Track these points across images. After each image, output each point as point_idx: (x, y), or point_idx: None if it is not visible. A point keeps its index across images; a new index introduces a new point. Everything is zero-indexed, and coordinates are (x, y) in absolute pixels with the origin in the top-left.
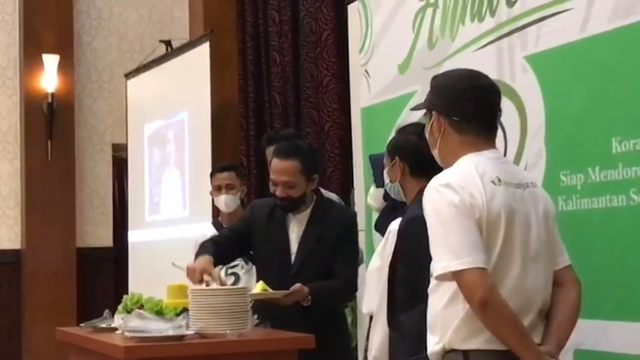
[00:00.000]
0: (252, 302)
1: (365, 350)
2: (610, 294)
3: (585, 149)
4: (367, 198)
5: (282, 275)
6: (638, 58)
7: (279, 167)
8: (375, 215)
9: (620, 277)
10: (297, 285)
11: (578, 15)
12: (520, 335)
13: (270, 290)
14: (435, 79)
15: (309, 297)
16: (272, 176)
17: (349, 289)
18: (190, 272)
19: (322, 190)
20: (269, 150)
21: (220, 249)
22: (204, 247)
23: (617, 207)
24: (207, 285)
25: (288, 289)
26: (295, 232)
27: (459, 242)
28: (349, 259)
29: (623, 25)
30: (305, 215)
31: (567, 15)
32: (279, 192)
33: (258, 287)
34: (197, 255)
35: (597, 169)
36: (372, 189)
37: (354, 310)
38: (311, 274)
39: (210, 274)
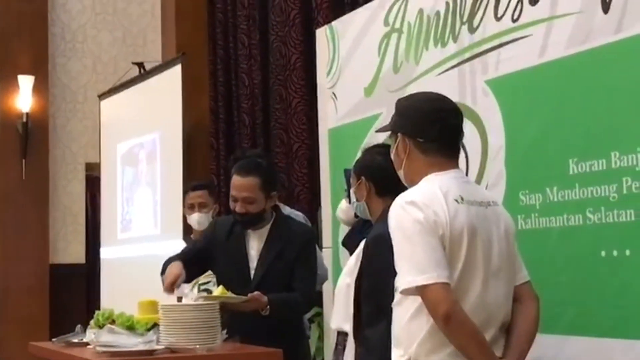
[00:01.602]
0: (223, 317)
1: None
2: (568, 309)
3: (544, 170)
4: (336, 213)
5: (242, 289)
6: (594, 83)
7: (239, 184)
8: (343, 229)
9: (577, 293)
10: (256, 293)
11: (536, 41)
12: (483, 349)
13: (230, 294)
14: (400, 101)
15: (268, 307)
16: (232, 192)
17: (305, 304)
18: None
19: (288, 209)
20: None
21: (186, 264)
22: (171, 260)
23: (574, 226)
24: (179, 300)
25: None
26: (254, 248)
27: (423, 258)
28: (306, 275)
29: (579, 51)
30: (264, 231)
31: (526, 41)
32: (238, 207)
33: (217, 291)
34: (165, 267)
35: (554, 189)
36: (343, 202)
37: (321, 326)
38: (270, 290)
39: (179, 279)
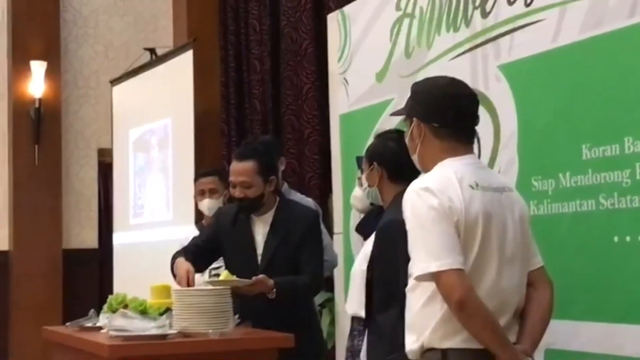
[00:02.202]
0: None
1: (348, 350)
2: (580, 295)
3: (556, 156)
4: (350, 200)
5: (249, 275)
6: (607, 67)
7: (236, 168)
8: (354, 216)
9: (590, 279)
10: (261, 276)
11: (550, 26)
12: (497, 334)
13: (235, 278)
14: (416, 85)
15: (274, 290)
16: (230, 177)
17: (313, 285)
18: (179, 278)
19: (299, 195)
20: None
21: (193, 257)
22: (179, 255)
23: (587, 212)
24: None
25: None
26: (260, 233)
27: (437, 245)
28: (313, 257)
29: (593, 36)
30: (268, 216)
31: (539, 26)
32: (237, 192)
33: (223, 275)
34: (174, 262)
35: (567, 174)
36: (357, 190)
37: (332, 311)
38: (278, 274)
39: (190, 274)
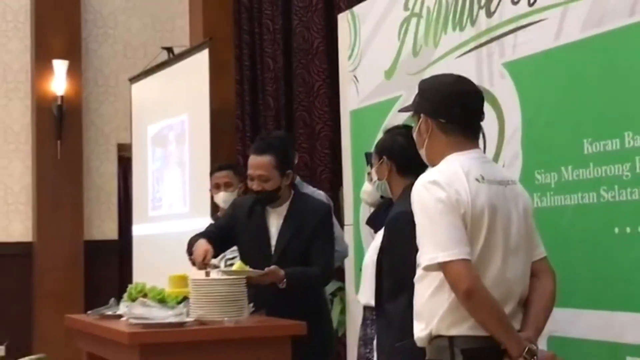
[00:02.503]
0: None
1: (360, 339)
2: (581, 284)
3: (559, 150)
4: (359, 193)
5: (263, 265)
6: (607, 65)
7: (254, 162)
8: (364, 208)
9: (591, 269)
10: (273, 267)
11: (552, 25)
12: (503, 322)
13: (247, 269)
14: (423, 83)
15: (285, 280)
16: (248, 171)
17: (324, 276)
18: (195, 256)
19: (310, 188)
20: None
21: (211, 241)
22: (197, 238)
23: (588, 204)
24: (208, 275)
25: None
26: (274, 225)
27: (445, 236)
28: (324, 248)
29: (594, 34)
30: (283, 209)
31: (542, 25)
32: (255, 185)
33: (236, 266)
34: (191, 245)
35: (569, 168)
36: (367, 184)
37: (343, 300)
38: (290, 264)
39: (208, 254)
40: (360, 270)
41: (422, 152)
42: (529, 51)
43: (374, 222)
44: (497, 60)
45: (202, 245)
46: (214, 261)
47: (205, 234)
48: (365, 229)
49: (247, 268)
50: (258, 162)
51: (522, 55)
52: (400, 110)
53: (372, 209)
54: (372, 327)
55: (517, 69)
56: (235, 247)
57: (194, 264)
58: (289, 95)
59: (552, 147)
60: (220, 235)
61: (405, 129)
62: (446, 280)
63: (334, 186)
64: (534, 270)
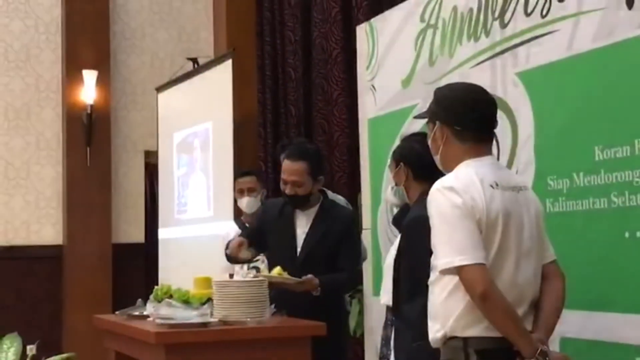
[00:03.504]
0: (270, 292)
1: (383, 339)
2: (593, 287)
3: (571, 157)
4: (377, 198)
5: (289, 265)
6: (618, 74)
7: (289, 168)
8: (381, 212)
9: (602, 271)
10: (310, 276)
11: (564, 36)
12: (516, 324)
13: (286, 275)
14: (438, 91)
15: (319, 288)
16: (282, 176)
17: (352, 281)
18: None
19: (331, 193)
20: (283, 157)
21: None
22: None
23: (599, 209)
24: (231, 277)
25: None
26: (302, 227)
27: (461, 241)
28: (352, 254)
29: (605, 45)
30: (311, 213)
31: (554, 35)
32: (288, 190)
33: (275, 272)
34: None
35: (581, 174)
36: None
37: (361, 301)
38: (315, 266)
39: (244, 244)
40: (379, 272)
41: (437, 159)
42: (542, 61)
43: (399, 223)
44: (511, 70)
45: (238, 238)
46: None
47: (242, 234)
48: (383, 232)
49: (286, 274)
50: (293, 168)
51: (534, 65)
52: (415, 117)
53: (395, 210)
54: (393, 328)
55: (530, 78)
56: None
57: (229, 259)
58: (308, 103)
59: (564, 154)
60: (254, 237)
61: (422, 136)
62: (462, 283)
63: (351, 191)
64: (544, 273)
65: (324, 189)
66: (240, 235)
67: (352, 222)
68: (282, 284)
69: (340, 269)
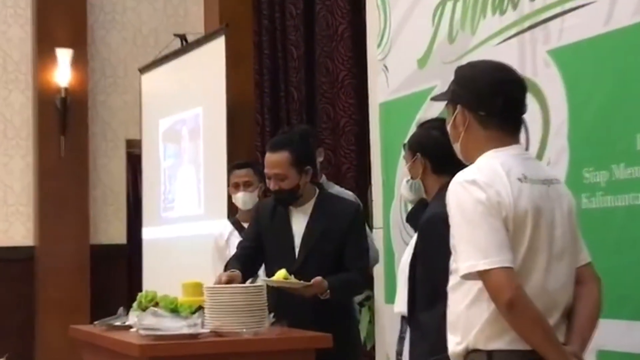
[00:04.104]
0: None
1: (398, 354)
2: (634, 293)
3: (610, 146)
4: (390, 193)
5: (287, 269)
6: None
7: (269, 160)
8: (395, 210)
9: None
10: (318, 278)
11: (602, 8)
12: (547, 335)
13: (292, 279)
14: (460, 70)
15: (328, 291)
16: (264, 170)
17: (363, 282)
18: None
19: (337, 188)
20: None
21: (246, 265)
22: (230, 266)
23: None
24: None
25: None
26: (298, 226)
27: (486, 241)
28: (359, 252)
29: None
30: (307, 208)
31: (590, 8)
32: (271, 185)
33: (279, 275)
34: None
35: (621, 165)
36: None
37: (371, 309)
38: (315, 268)
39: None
40: (391, 277)
41: (457, 147)
42: (577, 37)
43: (414, 220)
44: (542, 47)
45: (228, 274)
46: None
47: (237, 257)
48: (396, 233)
49: (291, 278)
50: (273, 160)
51: (568, 41)
52: (433, 99)
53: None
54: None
55: (563, 56)
56: None
57: None
58: (311, 86)
59: (602, 143)
60: (253, 249)
61: (441, 123)
62: (486, 289)
63: (360, 186)
64: (577, 277)
65: (328, 182)
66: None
67: (356, 216)
68: (288, 289)
69: (346, 270)
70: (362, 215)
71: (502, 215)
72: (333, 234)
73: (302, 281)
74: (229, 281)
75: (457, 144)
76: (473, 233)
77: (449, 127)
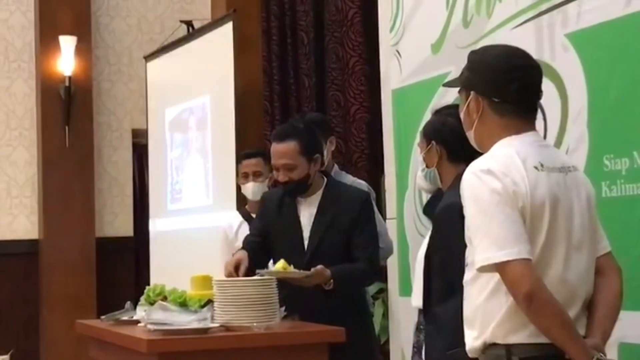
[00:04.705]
0: (280, 293)
1: (414, 346)
2: None
3: (631, 132)
4: (404, 183)
5: (297, 261)
6: None
7: (277, 150)
8: (409, 201)
9: None
10: (319, 267)
11: None
12: (568, 329)
13: (292, 269)
14: (474, 54)
15: (331, 281)
16: (272, 161)
17: (371, 272)
18: (225, 266)
19: (350, 178)
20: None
21: (254, 257)
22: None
23: None
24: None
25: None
26: (306, 216)
27: (502, 232)
28: (368, 241)
29: None
30: (315, 198)
31: None
32: (280, 176)
33: (278, 266)
34: None
35: None
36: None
37: (385, 302)
38: (326, 260)
39: (242, 264)
40: (405, 269)
41: (470, 135)
42: (596, 20)
43: (431, 211)
44: (560, 30)
45: (238, 254)
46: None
47: (245, 246)
48: (410, 223)
49: (291, 268)
50: (280, 150)
51: (588, 24)
52: (445, 85)
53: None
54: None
55: (582, 40)
56: None
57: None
58: (320, 72)
59: (623, 129)
60: (260, 242)
61: (457, 110)
62: (503, 282)
63: (372, 175)
64: (597, 267)
65: (342, 171)
66: (245, 245)
67: (367, 204)
68: (288, 279)
69: (356, 259)
70: (371, 204)
71: (518, 205)
72: (342, 223)
73: (301, 270)
74: (237, 264)
75: (470, 132)
76: (489, 224)
77: (462, 115)
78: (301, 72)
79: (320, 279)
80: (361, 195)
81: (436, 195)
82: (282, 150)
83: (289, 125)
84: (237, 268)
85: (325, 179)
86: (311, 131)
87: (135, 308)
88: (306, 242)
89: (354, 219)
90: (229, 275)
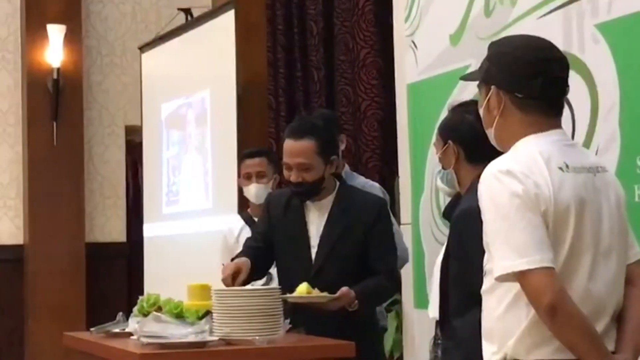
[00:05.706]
0: (284, 304)
1: None
2: None
3: None
4: (419, 185)
5: (302, 272)
6: None
7: (292, 148)
8: (424, 204)
9: None
10: (345, 289)
11: None
12: (594, 344)
13: (315, 293)
14: (495, 45)
15: (356, 302)
16: (285, 159)
17: (392, 286)
18: (223, 275)
19: (362, 179)
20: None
21: (254, 264)
22: (238, 256)
23: None
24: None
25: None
26: (314, 223)
27: (523, 239)
28: (386, 252)
29: None
30: (326, 204)
31: None
32: (293, 176)
33: (302, 289)
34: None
35: None
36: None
37: (399, 315)
38: (335, 273)
39: (241, 274)
40: (420, 278)
41: (490, 133)
42: (629, 10)
43: (451, 215)
44: (589, 21)
45: (238, 261)
46: (258, 283)
47: (245, 251)
48: (426, 229)
49: (314, 291)
50: (297, 148)
51: (620, 14)
52: (463, 78)
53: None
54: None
55: (614, 31)
56: None
57: (223, 282)
58: (329, 65)
59: None
60: (262, 247)
61: (476, 106)
62: (524, 293)
63: (384, 176)
64: (628, 276)
65: (351, 173)
66: (245, 249)
67: (383, 211)
68: (313, 304)
69: (374, 273)
70: (388, 211)
71: (541, 210)
72: (355, 233)
73: (326, 294)
74: (236, 272)
75: (490, 130)
76: (508, 230)
77: (481, 111)
78: (310, 64)
79: (345, 301)
80: (377, 202)
81: (456, 199)
82: (299, 148)
83: (307, 121)
84: (235, 277)
85: (338, 182)
86: (330, 130)
87: (127, 319)
88: (313, 252)
89: (370, 229)
90: (224, 280)
